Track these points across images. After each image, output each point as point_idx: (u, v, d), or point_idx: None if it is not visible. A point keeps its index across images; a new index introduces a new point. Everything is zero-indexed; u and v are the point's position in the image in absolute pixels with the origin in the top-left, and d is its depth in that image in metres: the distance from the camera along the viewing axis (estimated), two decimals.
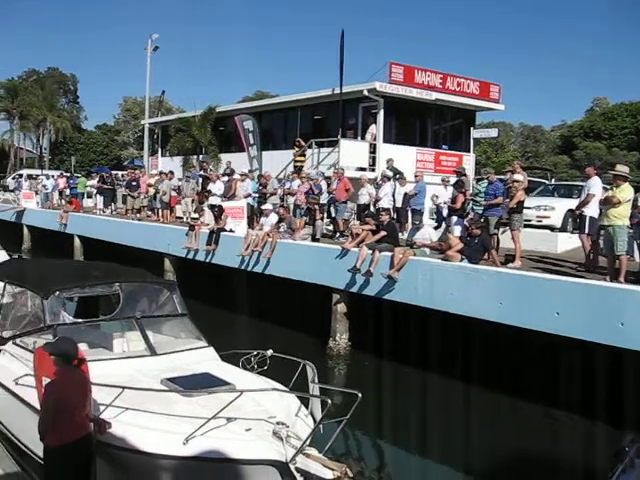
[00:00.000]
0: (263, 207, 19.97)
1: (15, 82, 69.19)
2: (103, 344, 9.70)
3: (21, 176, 46.69)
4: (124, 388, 7.38)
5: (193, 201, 24.15)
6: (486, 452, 10.80)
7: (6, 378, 9.29)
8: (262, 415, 7.25)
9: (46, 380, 6.93)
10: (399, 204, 19.21)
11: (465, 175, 18.39)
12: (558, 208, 18.70)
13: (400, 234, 16.67)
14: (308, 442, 6.76)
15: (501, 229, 15.97)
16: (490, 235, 15.04)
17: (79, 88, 79.15)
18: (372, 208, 19.17)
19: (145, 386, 7.89)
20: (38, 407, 7.62)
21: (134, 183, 27.50)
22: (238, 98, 62.95)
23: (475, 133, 28.32)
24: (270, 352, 9.35)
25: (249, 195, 21.90)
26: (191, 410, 7.28)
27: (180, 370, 8.61)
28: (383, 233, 15.13)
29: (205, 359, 9.34)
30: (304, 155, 24.66)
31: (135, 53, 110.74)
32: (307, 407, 8.12)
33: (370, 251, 14.69)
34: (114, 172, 37.79)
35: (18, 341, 9.85)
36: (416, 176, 19.65)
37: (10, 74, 73.71)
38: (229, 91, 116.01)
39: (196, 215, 21.19)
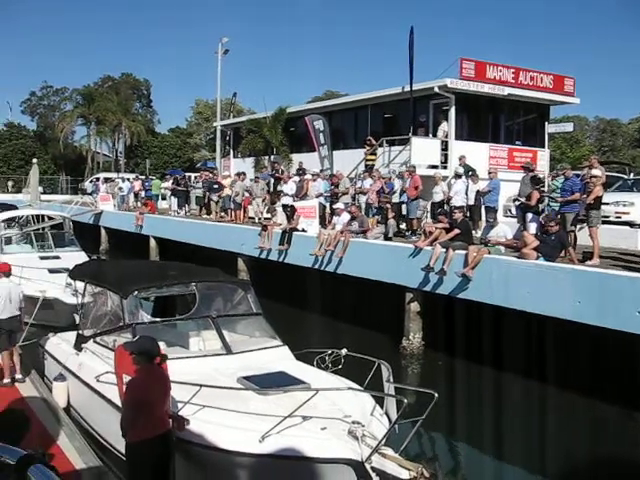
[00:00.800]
0: (335, 206, 19.98)
1: (91, 88, 70.94)
2: (180, 343, 9.89)
3: (98, 179, 47.92)
4: (202, 386, 7.50)
5: (264, 201, 24.36)
6: (563, 454, 10.54)
7: (88, 375, 9.59)
8: (337, 414, 7.26)
9: (127, 377, 7.10)
10: (472, 202, 18.94)
11: (533, 170, 18.01)
12: (638, 203, 18.11)
13: (473, 232, 16.43)
14: (384, 442, 6.73)
15: (578, 226, 15.57)
16: (567, 232, 14.68)
17: (152, 92, 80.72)
18: (445, 206, 18.96)
19: (222, 384, 8.01)
20: (118, 403, 7.84)
21: (216, 186, 27.22)
22: (308, 98, 63.11)
23: (550, 128, 27.69)
24: (344, 351, 9.34)
25: (321, 195, 21.96)
26: (267, 408, 7.34)
27: (256, 369, 8.70)
28: (457, 231, 14.93)
29: (280, 358, 9.41)
30: (375, 154, 24.57)
31: (206, 55, 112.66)
32: (382, 406, 8.09)
33: (443, 249, 14.54)
34: (187, 174, 38.39)
35: (99, 339, 10.18)
36: (490, 173, 19.33)
37: (86, 81, 75.91)
38: (299, 91, 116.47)
39: (269, 215, 21.35)
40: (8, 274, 11.86)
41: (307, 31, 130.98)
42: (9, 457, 2.15)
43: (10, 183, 55.85)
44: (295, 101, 60.82)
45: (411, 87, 23.39)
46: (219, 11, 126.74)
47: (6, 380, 11.19)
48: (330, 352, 9.44)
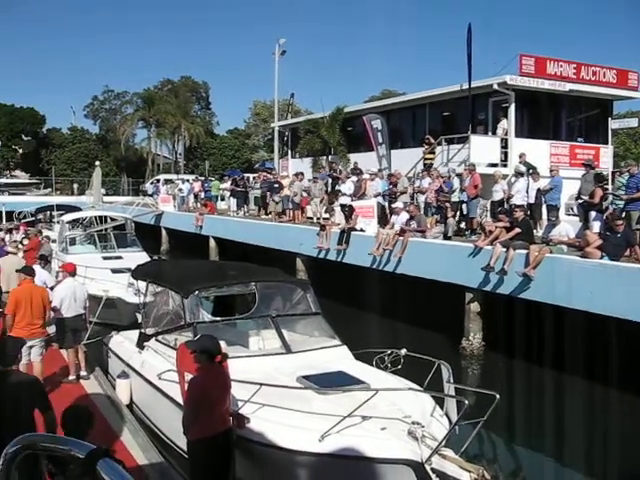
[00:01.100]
0: (394, 205, 19.87)
1: (151, 92, 72.19)
2: (240, 342, 9.96)
3: (158, 181, 48.65)
4: (262, 385, 7.54)
5: (322, 201, 24.39)
6: (625, 458, 10.29)
7: (150, 373, 9.76)
8: (397, 414, 7.22)
9: (188, 376, 7.20)
10: (532, 200, 18.62)
11: (594, 168, 17.62)
12: None
13: (534, 231, 16.15)
14: (444, 443, 6.67)
15: None
16: (632, 230, 14.31)
17: (211, 95, 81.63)
18: (505, 205, 18.68)
19: (281, 383, 8.04)
20: (180, 401, 7.95)
21: (276, 186, 26.81)
22: (365, 97, 62.82)
23: (613, 124, 27.01)
24: (404, 351, 9.28)
25: (379, 194, 21.88)
26: (326, 408, 7.34)
27: (315, 368, 8.71)
28: (517, 230, 14.69)
29: (339, 357, 9.41)
30: (434, 152, 24.37)
31: (263, 56, 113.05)
32: (442, 407, 8.01)
33: (504, 249, 14.34)
34: (246, 175, 38.71)
35: (160, 338, 10.35)
36: (551, 170, 18.99)
37: (146, 84, 77.31)
38: (356, 91, 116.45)
39: (327, 215, 21.39)
40: (73, 274, 12.18)
41: (363, 30, 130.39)
42: (78, 451, 2.21)
43: (75, 185, 57.19)
44: (352, 101, 60.57)
45: (470, 85, 23.13)
46: (276, 11, 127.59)
47: (71, 377, 11.49)
48: (389, 352, 9.40)
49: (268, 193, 27.75)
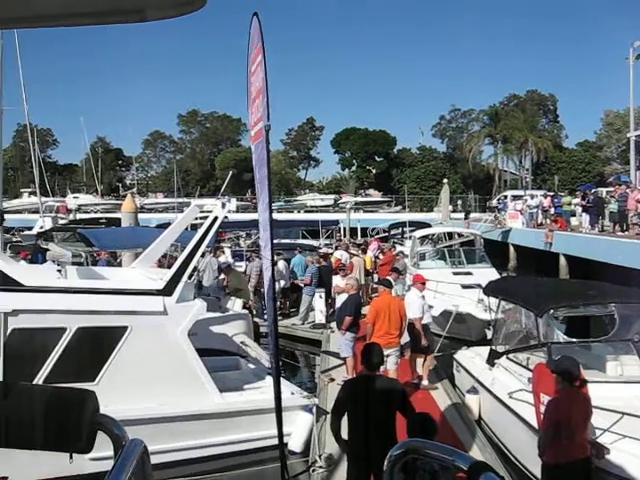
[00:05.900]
0: None
1: (497, 108, 73.05)
2: (596, 366, 9.47)
3: (506, 197, 48.62)
4: (624, 414, 7.09)
5: None
6: None
7: (500, 391, 9.72)
8: None
9: (545, 397, 7.01)
10: None
11: None
12: None
13: None
14: None
15: None
16: None
17: (558, 107, 79.80)
18: None
19: None
20: (532, 423, 7.80)
21: None
22: None
23: None
24: None
25: None
26: None
27: None
28: None
29: None
30: None
31: (615, 62, 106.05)
32: None
33: None
34: (599, 189, 36.87)
35: (511, 356, 10.26)
36: None
37: (492, 101, 78.17)
38: None
39: None
40: (420, 285, 12.60)
41: None
42: (461, 462, 2.26)
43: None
44: None
45: None
46: (628, 14, 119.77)
47: (422, 385, 11.96)
48: None
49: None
